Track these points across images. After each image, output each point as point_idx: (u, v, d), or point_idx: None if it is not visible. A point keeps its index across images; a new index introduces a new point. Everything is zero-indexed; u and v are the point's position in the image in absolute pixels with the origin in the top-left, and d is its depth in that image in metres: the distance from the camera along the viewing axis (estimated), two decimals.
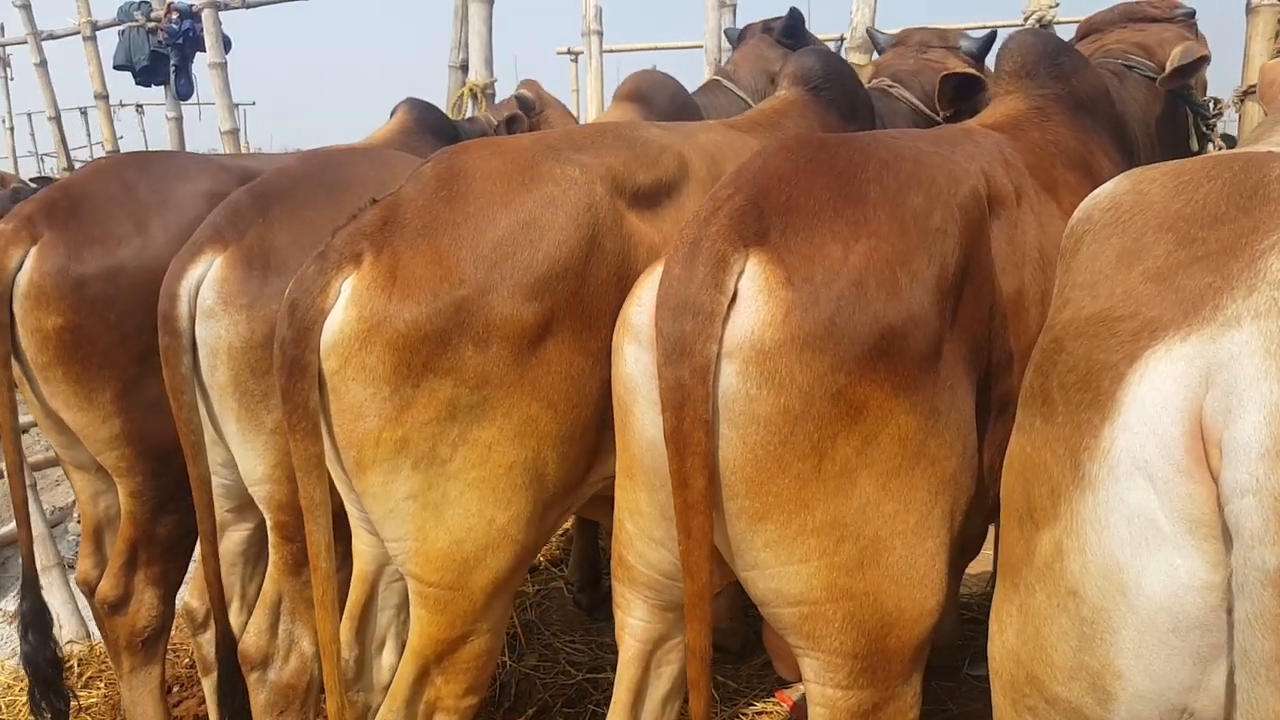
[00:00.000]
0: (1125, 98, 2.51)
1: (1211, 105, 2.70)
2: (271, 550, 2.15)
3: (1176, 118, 2.62)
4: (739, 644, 3.05)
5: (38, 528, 3.63)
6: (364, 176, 2.20)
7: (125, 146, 8.90)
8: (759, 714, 2.73)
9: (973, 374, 1.56)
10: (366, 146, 2.74)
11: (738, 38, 3.47)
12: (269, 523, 2.12)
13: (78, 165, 9.87)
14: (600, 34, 5.23)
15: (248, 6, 6.37)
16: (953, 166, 1.64)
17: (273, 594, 2.17)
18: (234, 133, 6.09)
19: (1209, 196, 1.14)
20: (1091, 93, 2.23)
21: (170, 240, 2.16)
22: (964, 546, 1.71)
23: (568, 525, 4.07)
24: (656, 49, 8.30)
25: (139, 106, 14.69)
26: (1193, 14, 2.67)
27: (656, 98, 3.15)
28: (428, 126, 2.99)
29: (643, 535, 1.58)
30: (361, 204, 1.81)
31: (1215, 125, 2.65)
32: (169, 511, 2.41)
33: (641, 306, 1.50)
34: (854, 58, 3.82)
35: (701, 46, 5.20)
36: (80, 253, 2.14)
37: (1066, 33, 3.17)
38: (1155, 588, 1.01)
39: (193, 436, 2.07)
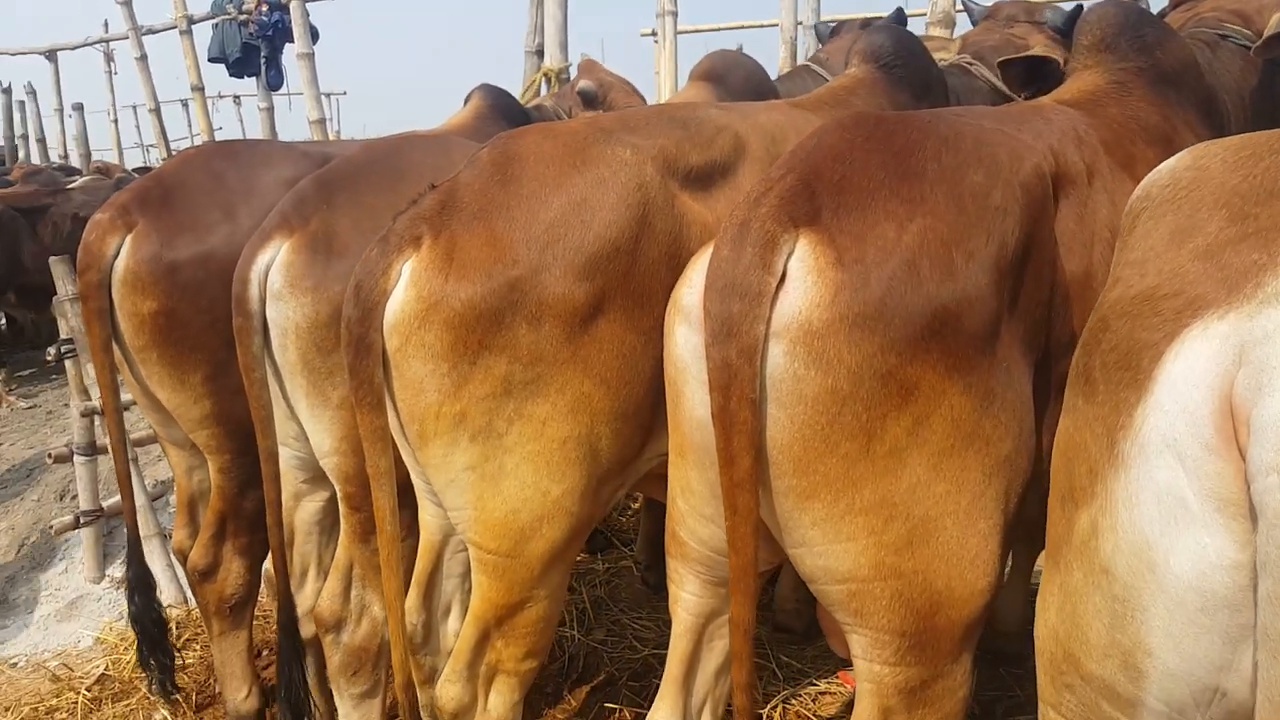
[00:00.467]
0: (1218, 69, 2.41)
1: None
2: (342, 519, 2.29)
3: (1276, 88, 2.51)
4: (804, 625, 3.09)
5: (139, 499, 3.93)
6: (422, 163, 2.31)
7: (223, 136, 9.39)
8: (821, 694, 2.77)
9: (1030, 355, 1.56)
10: (428, 134, 2.86)
11: (830, 34, 3.45)
12: (339, 493, 2.26)
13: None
14: (675, 14, 5.27)
15: None
16: (1016, 144, 1.63)
17: (345, 561, 2.32)
18: (322, 122, 6.38)
19: (1268, 171, 1.12)
20: (1177, 65, 2.16)
21: (256, 226, 2.31)
22: (1026, 530, 1.71)
23: (637, 505, 4.16)
24: (736, 28, 8.28)
25: (236, 98, 15.43)
26: None
27: (731, 77, 3.17)
28: (500, 112, 3.10)
29: (694, 512, 1.64)
30: (421, 190, 1.91)
31: None
32: (255, 487, 2.58)
33: (692, 288, 1.55)
34: (935, 32, 3.76)
35: (777, 24, 5.19)
36: (173, 240, 2.31)
37: (1159, 2, 3.05)
38: (1184, 566, 1.02)
39: (262, 411, 2.22)
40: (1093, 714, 1.23)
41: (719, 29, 8.14)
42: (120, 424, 2.60)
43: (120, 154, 10.68)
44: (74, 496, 5.25)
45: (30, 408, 7.03)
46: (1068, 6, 2.93)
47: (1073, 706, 1.26)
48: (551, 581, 1.88)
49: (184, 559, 2.83)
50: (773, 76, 3.35)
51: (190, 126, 15.86)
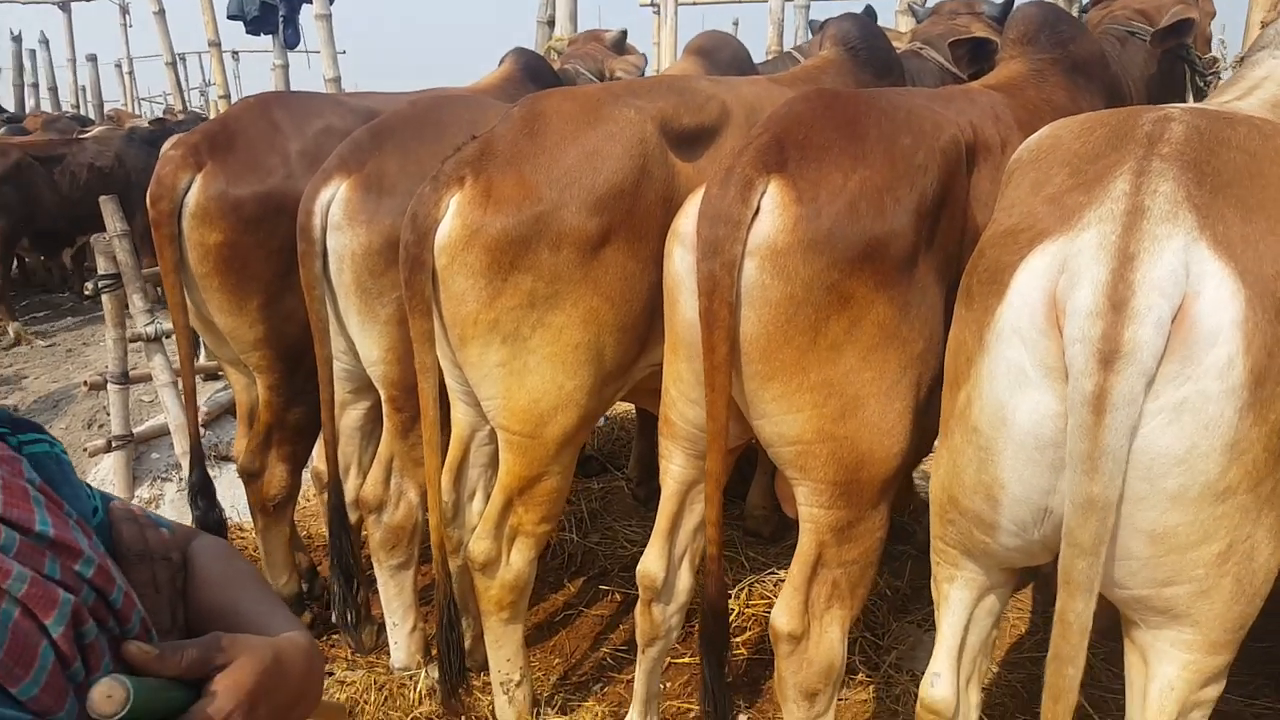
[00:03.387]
0: (1125, 60, 2.79)
1: (1209, 64, 2.94)
2: (385, 419, 2.66)
3: (1174, 75, 2.89)
4: (770, 529, 3.52)
5: (180, 419, 4.23)
6: (460, 118, 2.65)
7: (236, 92, 9.50)
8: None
9: (944, 281, 1.95)
10: (465, 93, 3.18)
11: (820, 27, 3.78)
12: (383, 396, 2.63)
13: (194, 108, 10.57)
14: None
15: None
16: (939, 117, 2.01)
17: (386, 454, 2.70)
18: (337, 80, 6.60)
19: (1097, 139, 1.51)
20: (1087, 56, 2.54)
21: (308, 170, 2.63)
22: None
23: (627, 425, 4.57)
24: (731, 3, 8.55)
25: (235, 54, 15.43)
26: None
27: (719, 54, 3.51)
28: (530, 74, 3.39)
29: (683, 397, 2.03)
30: (463, 139, 2.26)
31: (1212, 82, 2.90)
32: (298, 403, 2.90)
33: (688, 218, 1.93)
34: (901, 22, 4.10)
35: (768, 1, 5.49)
36: (237, 179, 2.63)
37: None
38: (1025, 418, 1.42)
39: (321, 323, 2.55)
40: (967, 539, 1.65)
41: (716, 3, 8.41)
42: (189, 339, 2.91)
43: (133, 104, 10.79)
44: (101, 425, 5.53)
45: (49, 345, 7.29)
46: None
47: (953, 536, 1.68)
48: (563, 459, 2.28)
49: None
50: (761, 51, 3.67)
51: (186, 81, 15.87)
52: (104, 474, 4.94)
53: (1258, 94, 2.05)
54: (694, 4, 7.80)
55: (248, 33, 7.61)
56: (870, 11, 3.38)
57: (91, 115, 10.08)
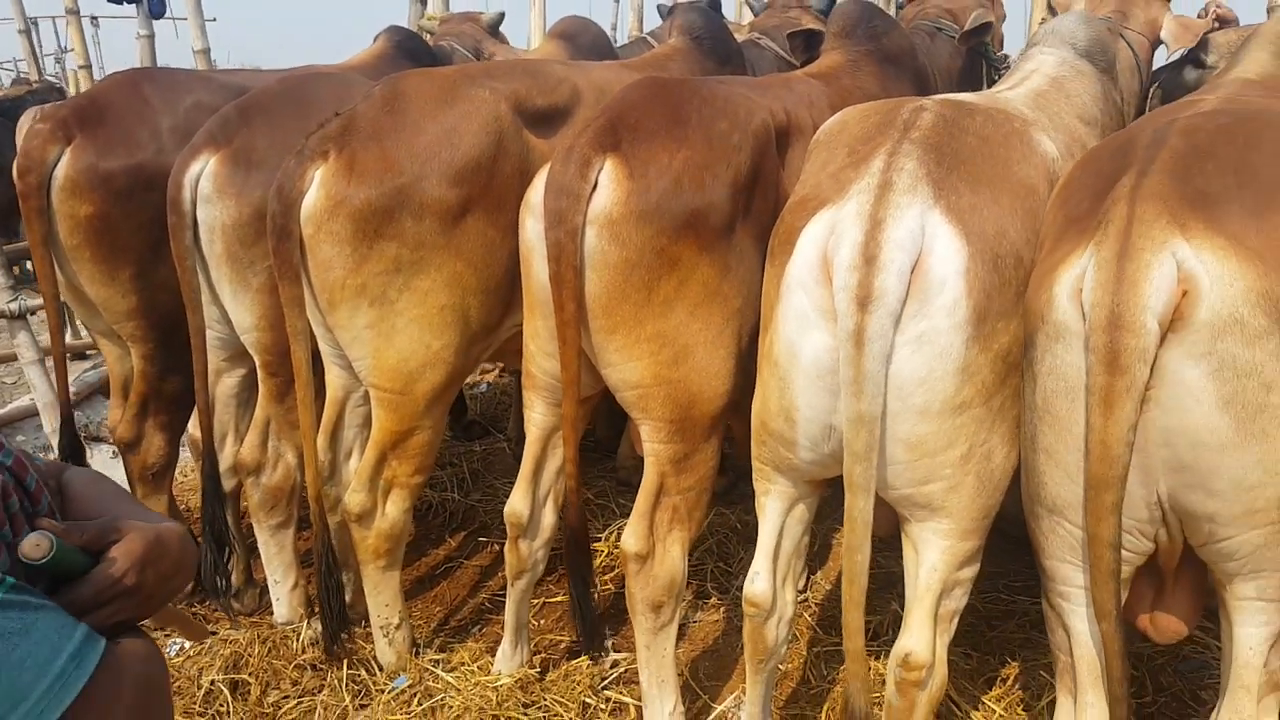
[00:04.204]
0: (933, 53, 3.17)
1: (1002, 60, 3.37)
2: (260, 384, 2.76)
3: (974, 67, 3.29)
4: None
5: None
6: (326, 95, 2.74)
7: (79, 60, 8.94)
8: None
9: (760, 246, 2.22)
10: (332, 71, 3.26)
11: (668, 12, 4.02)
12: (258, 362, 2.72)
13: (49, 76, 9.87)
14: None
15: None
16: (753, 104, 2.28)
17: (262, 417, 2.79)
18: (205, 51, 6.37)
19: (871, 124, 1.81)
20: (897, 49, 2.88)
21: (178, 145, 2.68)
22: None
23: (508, 391, 4.75)
24: None
25: (94, 19, 14.41)
26: None
27: (580, 38, 3.70)
28: (404, 53, 3.49)
29: (540, 351, 2.23)
30: (327, 116, 2.38)
31: (1004, 73, 3.31)
32: (174, 372, 2.92)
33: (536, 191, 2.13)
34: (745, 14, 4.39)
35: None
36: (107, 153, 2.65)
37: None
38: (809, 352, 1.71)
39: (193, 294, 2.61)
40: (775, 457, 1.94)
41: None
42: (59, 312, 2.89)
43: None
44: None
45: None
46: None
47: (766, 455, 1.97)
48: (433, 414, 2.46)
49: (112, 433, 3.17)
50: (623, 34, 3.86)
51: (40, 47, 14.73)
52: None
53: (1026, 84, 2.41)
54: None
55: (109, 1, 7.20)
56: (715, 3, 3.65)
57: None
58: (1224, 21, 3.15)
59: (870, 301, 1.57)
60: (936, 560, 1.83)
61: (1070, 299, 1.49)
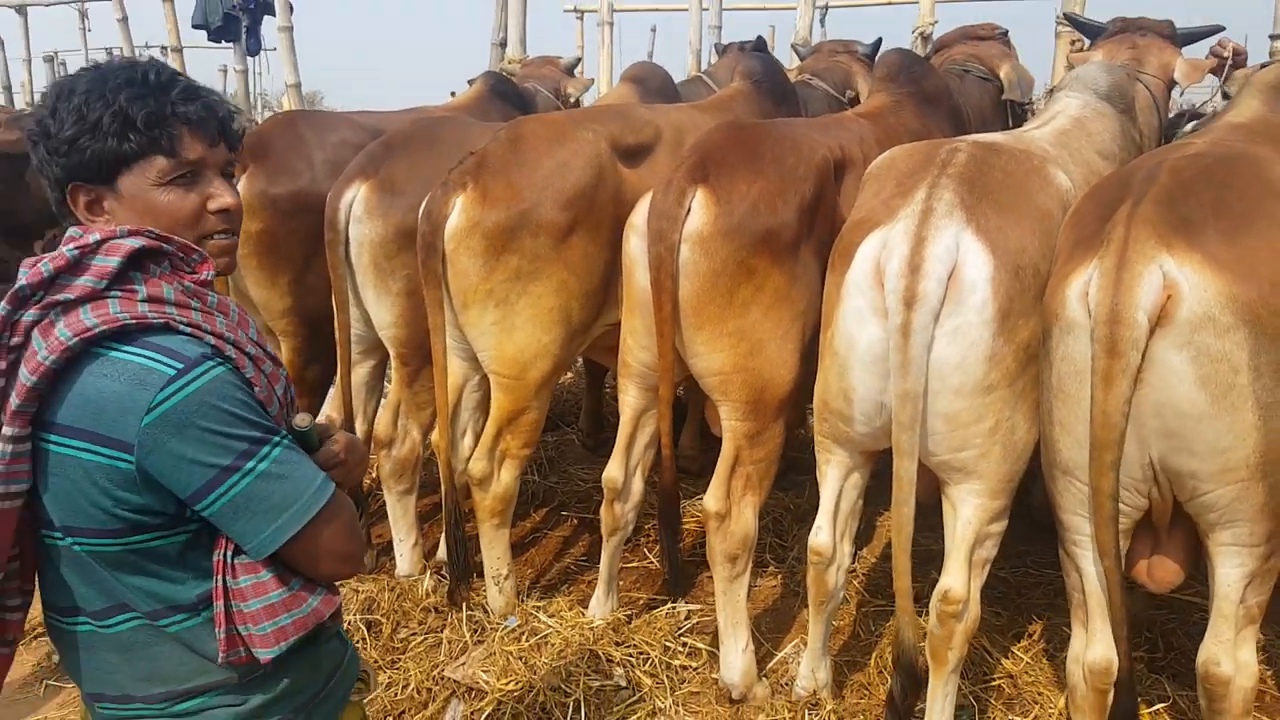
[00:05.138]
0: (965, 92, 3.51)
1: (1028, 102, 3.70)
2: (394, 371, 3.18)
3: (999, 105, 3.62)
4: (698, 467, 4.15)
5: None
6: (450, 135, 3.18)
7: None
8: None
9: (820, 259, 2.59)
10: (453, 114, 3.70)
11: (722, 51, 4.44)
12: (393, 353, 3.15)
13: None
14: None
15: None
16: (815, 142, 2.65)
17: (395, 399, 3.22)
18: (297, 86, 6.94)
19: (915, 161, 2.17)
20: (934, 91, 3.24)
21: (327, 174, 3.13)
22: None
23: (574, 391, 5.15)
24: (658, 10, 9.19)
25: (170, 50, 15.22)
26: (1007, 33, 3.66)
27: (650, 82, 4.13)
28: (498, 94, 3.98)
29: (637, 345, 2.62)
30: (456, 153, 2.81)
31: (1028, 113, 3.64)
32: (316, 362, 3.40)
33: (639, 215, 2.52)
34: (798, 48, 4.78)
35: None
36: (274, 180, 3.11)
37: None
38: (864, 343, 2.07)
39: (341, 297, 3.07)
40: (835, 430, 2.30)
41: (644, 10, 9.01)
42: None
43: None
44: None
45: None
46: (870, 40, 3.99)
47: (827, 430, 2.33)
48: (541, 397, 2.85)
49: None
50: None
51: None
52: None
53: (1052, 124, 2.75)
54: (628, 9, 8.40)
55: (210, 40, 7.82)
56: (760, 43, 4.05)
57: None
58: (1237, 55, 3.43)
59: (915, 302, 1.93)
60: (970, 515, 2.17)
61: (1079, 300, 1.83)
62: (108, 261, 1.12)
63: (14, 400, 1.10)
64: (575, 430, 4.78)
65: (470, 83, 4.05)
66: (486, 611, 3.08)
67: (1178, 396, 1.77)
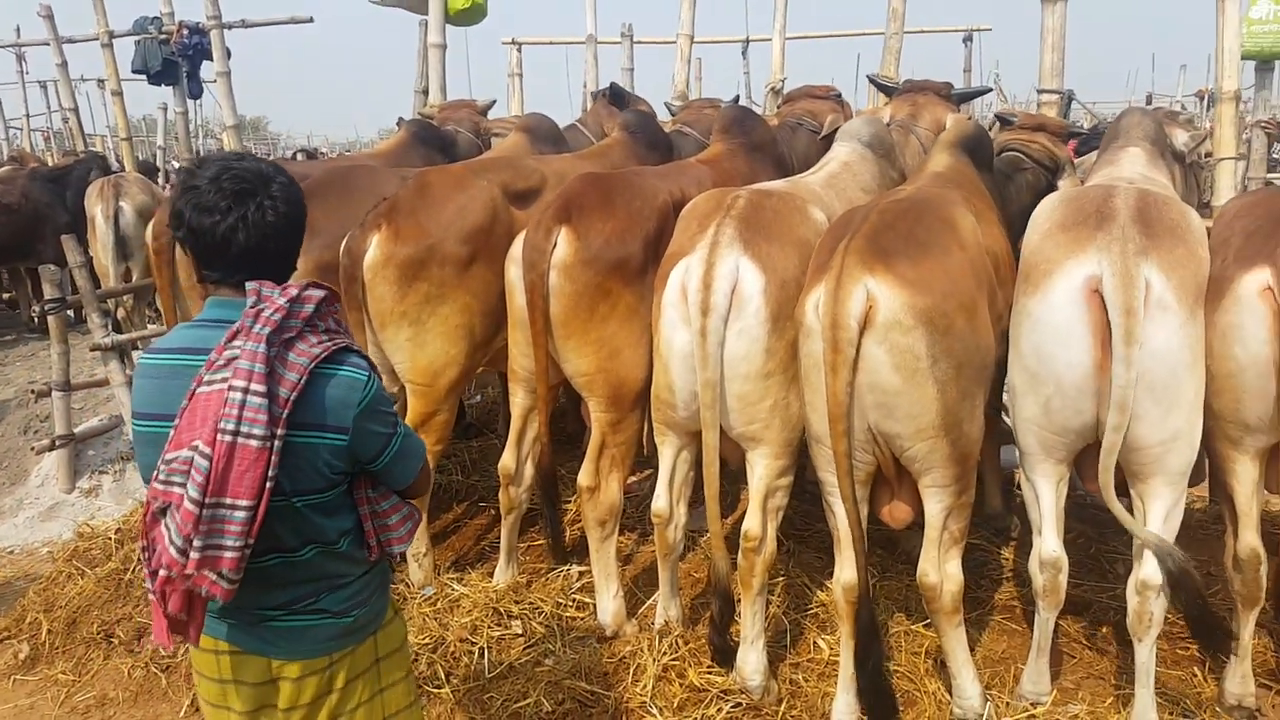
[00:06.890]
0: (794, 143, 4.33)
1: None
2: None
3: (824, 153, 4.44)
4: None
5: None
6: (363, 183, 3.88)
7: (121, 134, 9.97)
8: None
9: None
10: (370, 164, 4.40)
11: (594, 96, 5.23)
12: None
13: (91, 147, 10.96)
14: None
15: (246, 26, 7.80)
16: (657, 188, 3.43)
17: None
18: (237, 127, 7.55)
19: (710, 205, 2.96)
20: (762, 141, 4.05)
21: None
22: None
23: (496, 402, 5.84)
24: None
25: (99, 82, 15.51)
26: (839, 94, 4.52)
27: (538, 130, 4.85)
28: (421, 139, 4.70)
29: (520, 354, 3.35)
30: (377, 200, 3.52)
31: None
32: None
33: (517, 248, 3.26)
34: (769, 103, 5.60)
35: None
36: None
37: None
38: (677, 346, 2.83)
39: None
40: (665, 416, 3.04)
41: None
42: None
43: (31, 146, 11.08)
44: (35, 431, 6.10)
45: None
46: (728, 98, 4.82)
47: (660, 417, 3.07)
48: (450, 401, 3.56)
49: None
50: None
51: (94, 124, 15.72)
52: (47, 469, 5.48)
53: (825, 170, 3.57)
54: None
55: (150, 83, 8.31)
56: (618, 93, 4.89)
57: None
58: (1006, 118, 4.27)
59: (709, 310, 2.70)
60: (762, 472, 2.92)
61: (814, 310, 2.61)
62: (305, 308, 1.63)
63: (276, 410, 1.55)
64: (495, 436, 5.47)
65: (398, 124, 4.76)
66: (408, 585, 3.74)
67: (882, 379, 2.54)
